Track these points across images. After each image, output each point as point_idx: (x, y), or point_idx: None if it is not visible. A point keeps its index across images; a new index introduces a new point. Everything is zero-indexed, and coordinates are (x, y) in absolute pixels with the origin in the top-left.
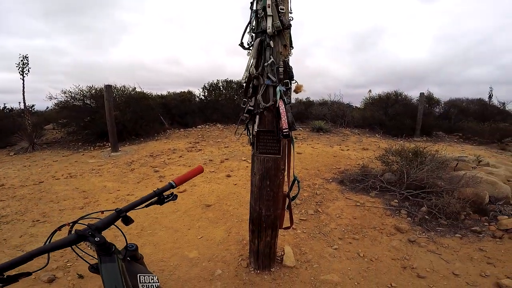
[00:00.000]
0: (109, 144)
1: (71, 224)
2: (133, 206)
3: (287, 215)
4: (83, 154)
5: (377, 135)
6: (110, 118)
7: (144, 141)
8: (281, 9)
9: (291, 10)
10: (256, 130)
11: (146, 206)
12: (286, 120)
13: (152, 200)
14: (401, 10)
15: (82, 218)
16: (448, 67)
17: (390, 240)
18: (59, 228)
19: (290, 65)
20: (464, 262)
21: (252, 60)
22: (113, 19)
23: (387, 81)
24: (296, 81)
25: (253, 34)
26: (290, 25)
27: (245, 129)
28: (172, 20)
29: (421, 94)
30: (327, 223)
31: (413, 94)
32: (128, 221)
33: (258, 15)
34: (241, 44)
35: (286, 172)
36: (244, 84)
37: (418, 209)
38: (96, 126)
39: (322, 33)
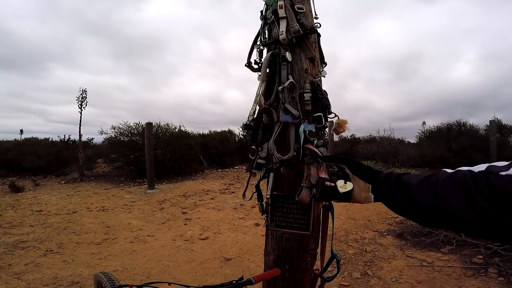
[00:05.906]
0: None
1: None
2: None
3: None
4: (122, 189)
5: None
6: (149, 155)
7: (181, 180)
8: (299, 8)
9: (316, 14)
10: (268, 194)
11: None
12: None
13: None
14: (429, 31)
15: (146, 285)
16: (505, 88)
17: None
18: None
19: (324, 89)
20: None
21: (261, 85)
22: (164, 62)
23: (436, 110)
24: (335, 115)
25: (262, 48)
26: (314, 30)
27: (255, 191)
28: (215, 63)
29: (491, 122)
30: None
31: (472, 122)
32: None
33: (267, 21)
34: (249, 64)
35: (319, 249)
36: (252, 124)
37: None
38: (139, 163)
39: (356, 66)
